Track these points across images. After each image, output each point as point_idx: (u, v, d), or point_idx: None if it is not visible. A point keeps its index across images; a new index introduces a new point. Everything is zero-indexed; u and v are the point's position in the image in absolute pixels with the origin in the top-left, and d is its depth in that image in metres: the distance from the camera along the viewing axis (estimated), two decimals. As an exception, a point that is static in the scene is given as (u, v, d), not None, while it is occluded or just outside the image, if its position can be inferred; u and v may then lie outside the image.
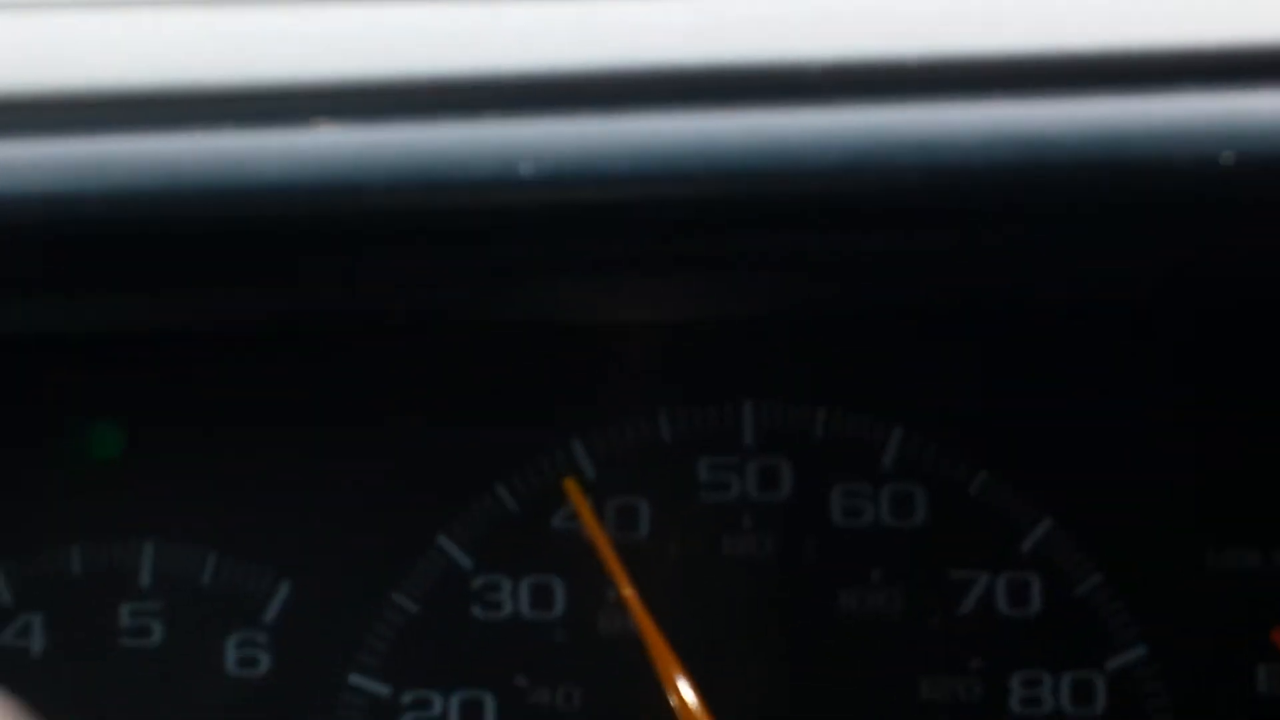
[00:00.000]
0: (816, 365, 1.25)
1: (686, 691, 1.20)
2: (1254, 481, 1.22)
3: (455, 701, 1.22)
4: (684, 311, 1.24)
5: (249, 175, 0.81)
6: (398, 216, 0.82)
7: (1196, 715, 1.21)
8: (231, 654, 1.23)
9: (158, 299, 1.07)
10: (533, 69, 0.85)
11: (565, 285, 1.12)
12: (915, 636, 1.23)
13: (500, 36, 0.86)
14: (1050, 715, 1.22)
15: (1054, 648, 1.22)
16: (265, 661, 1.22)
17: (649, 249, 0.87)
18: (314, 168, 0.82)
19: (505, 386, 1.24)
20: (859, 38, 0.87)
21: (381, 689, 1.22)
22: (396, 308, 1.19)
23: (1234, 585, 1.22)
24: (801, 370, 1.25)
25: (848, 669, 1.22)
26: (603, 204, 0.83)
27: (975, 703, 1.22)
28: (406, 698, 1.22)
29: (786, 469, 1.24)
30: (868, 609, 1.23)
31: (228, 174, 0.82)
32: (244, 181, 0.82)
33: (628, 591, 1.21)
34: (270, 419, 1.23)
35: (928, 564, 1.23)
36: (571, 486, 1.23)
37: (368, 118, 0.83)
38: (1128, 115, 0.84)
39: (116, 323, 1.20)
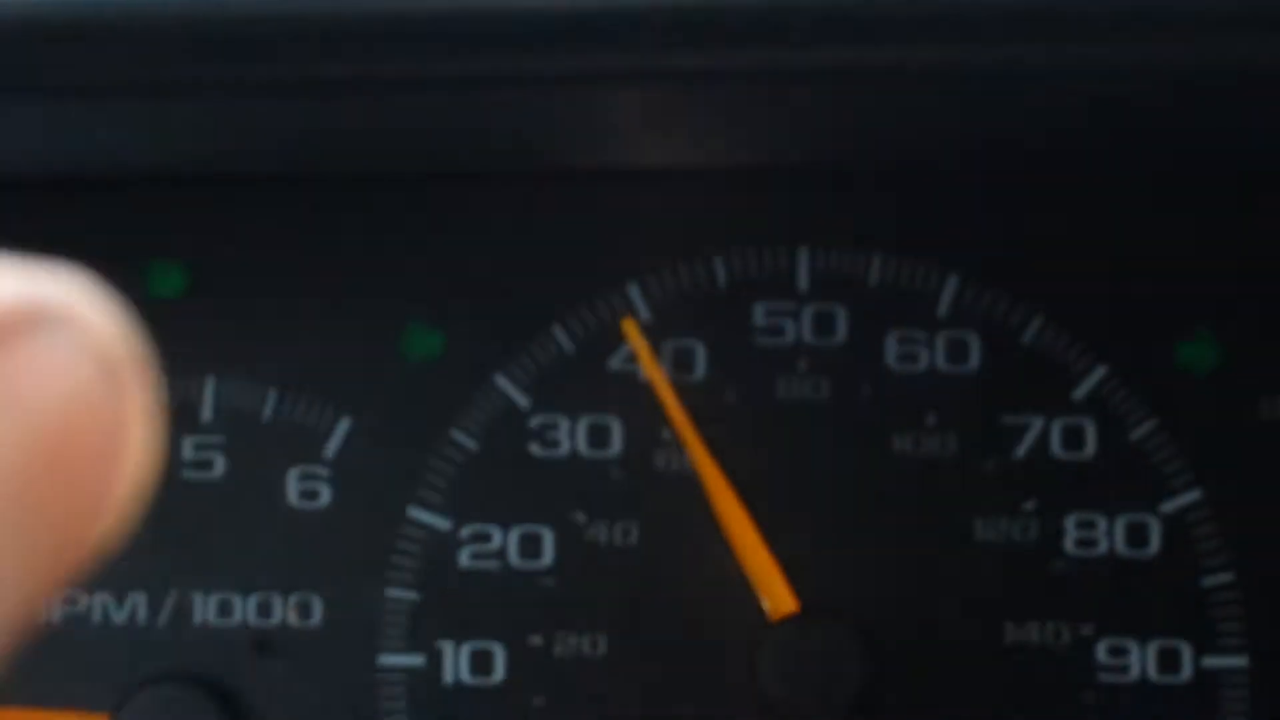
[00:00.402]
0: (871, 212, 1.26)
1: (744, 528, 1.21)
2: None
3: (514, 535, 1.23)
4: (740, 157, 1.25)
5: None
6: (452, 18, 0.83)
7: (1250, 559, 1.21)
8: (293, 487, 1.24)
9: (209, 137, 1.09)
10: None
11: (614, 120, 1.13)
12: (970, 479, 1.23)
13: None
14: (1104, 557, 1.22)
15: (1108, 491, 1.23)
16: (326, 494, 1.24)
17: (705, 62, 0.88)
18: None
19: (561, 231, 1.25)
20: None
21: (442, 522, 1.23)
22: (446, 156, 1.21)
23: (1285, 431, 1.22)
24: (856, 217, 1.26)
25: (902, 511, 1.23)
26: (653, 9, 0.83)
27: (1030, 544, 1.22)
28: (466, 531, 1.23)
29: (842, 314, 1.25)
30: (922, 452, 1.23)
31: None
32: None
33: (685, 430, 1.22)
34: (330, 261, 1.25)
35: (982, 409, 1.24)
36: (630, 326, 1.24)
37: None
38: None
39: (176, 161, 1.22)
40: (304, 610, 1.22)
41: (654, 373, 1.23)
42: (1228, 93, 1.08)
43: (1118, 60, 0.99)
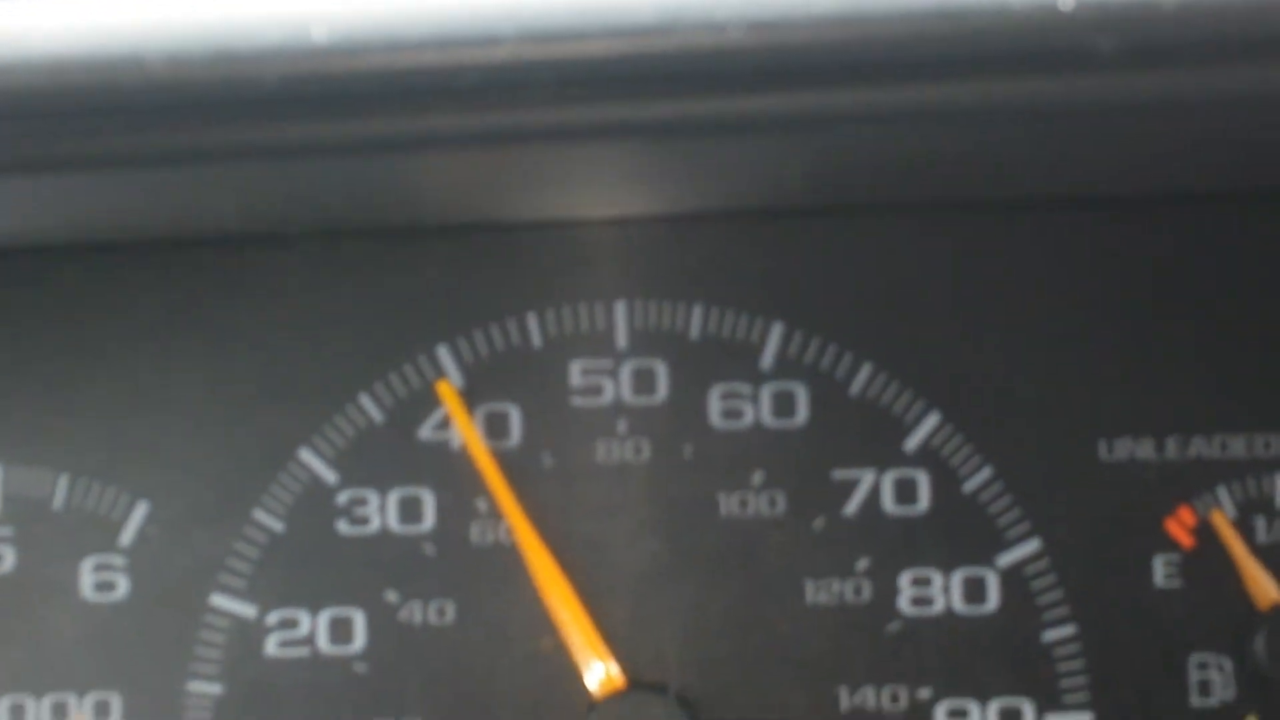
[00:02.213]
0: (690, 263, 1.21)
1: (566, 601, 1.16)
2: (1146, 370, 1.19)
3: (324, 619, 1.18)
4: (552, 210, 1.20)
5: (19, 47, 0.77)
6: (185, 88, 0.77)
7: (1091, 610, 1.18)
8: (88, 578, 1.18)
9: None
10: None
11: (412, 184, 1.08)
12: (800, 539, 1.19)
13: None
14: (942, 614, 1.18)
15: (943, 545, 1.19)
16: (123, 585, 1.18)
17: (453, 122, 0.82)
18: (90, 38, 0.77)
19: (365, 293, 1.20)
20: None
21: (247, 609, 1.18)
22: (244, 217, 1.15)
23: (1126, 476, 1.18)
24: (675, 270, 1.21)
25: (730, 575, 1.18)
26: (399, 71, 0.78)
27: (863, 604, 1.18)
28: (273, 617, 1.18)
29: (662, 371, 1.20)
30: (750, 513, 1.19)
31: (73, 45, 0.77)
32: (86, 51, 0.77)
33: (502, 499, 1.17)
34: (121, 334, 1.19)
35: (811, 464, 1.19)
36: (445, 389, 1.19)
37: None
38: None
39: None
40: (101, 710, 1.16)
41: (470, 439, 1.18)
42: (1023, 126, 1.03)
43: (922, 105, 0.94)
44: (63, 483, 1.18)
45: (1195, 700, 1.16)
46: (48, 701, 1.17)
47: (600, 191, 1.16)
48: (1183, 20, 0.80)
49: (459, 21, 0.78)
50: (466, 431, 1.18)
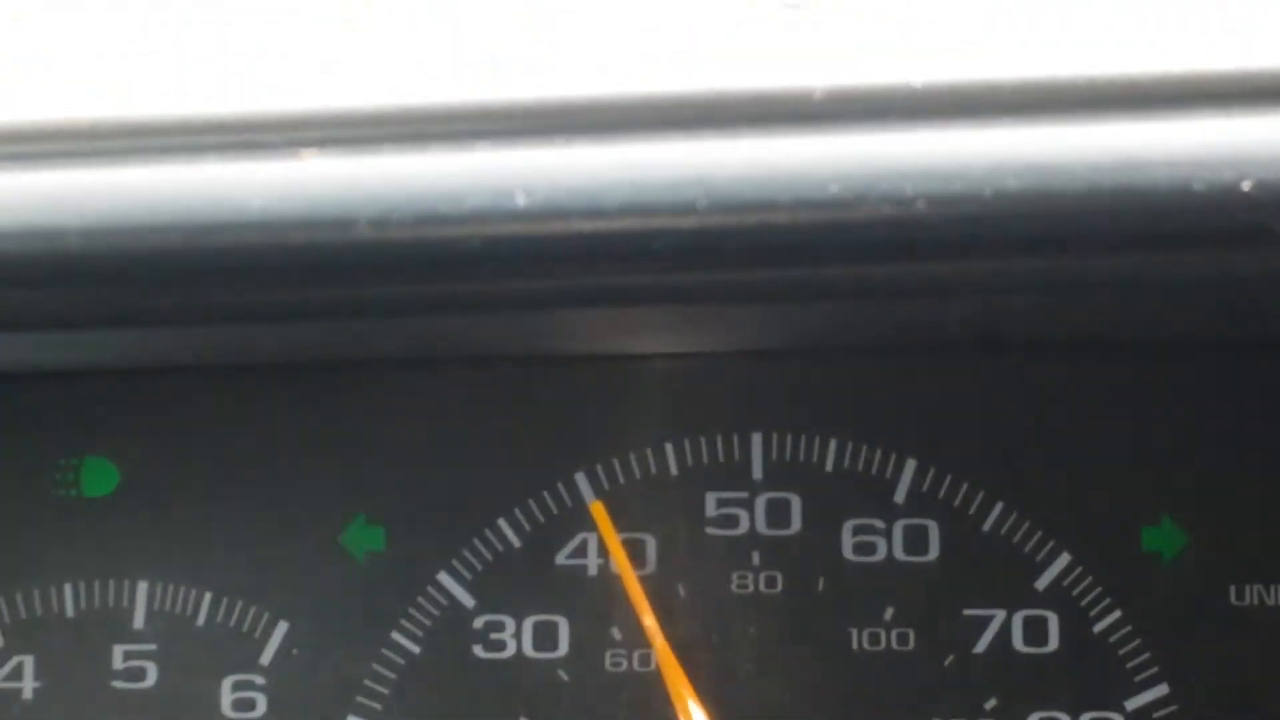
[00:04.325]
0: (827, 397, 1.22)
1: (700, 729, 1.17)
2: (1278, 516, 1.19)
3: None
4: (691, 343, 1.21)
5: (236, 207, 0.78)
6: (389, 249, 0.79)
7: (1220, 757, 1.18)
8: (227, 697, 1.20)
9: (147, 335, 1.04)
10: (528, 97, 0.82)
11: (564, 319, 1.10)
12: (929, 676, 1.19)
13: (495, 65, 0.83)
14: (1068, 757, 1.19)
15: (1072, 687, 1.19)
16: (261, 704, 1.19)
17: (648, 282, 0.84)
18: (300, 199, 0.79)
19: (507, 421, 1.21)
20: (866, 65, 0.84)
21: (382, 732, 1.19)
22: (392, 343, 1.17)
23: (1258, 622, 1.19)
24: (811, 402, 1.22)
25: (861, 710, 1.19)
26: (598, 235, 0.80)
27: None
28: None
29: (796, 503, 1.21)
30: (880, 647, 1.20)
31: (215, 205, 0.79)
32: (231, 213, 0.79)
33: (650, 622, 1.18)
34: (267, 453, 1.21)
35: (942, 601, 1.20)
36: (598, 511, 1.20)
37: (357, 147, 0.81)
38: (1143, 141, 0.82)
39: (109, 358, 1.18)
40: (239, 830, 1.18)
41: (621, 562, 1.19)
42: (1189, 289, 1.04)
43: (1060, 277, 0.95)
44: (206, 600, 1.19)
45: None
46: (187, 819, 1.18)
47: (742, 327, 1.17)
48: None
49: (653, 190, 0.80)
50: (618, 554, 1.19)
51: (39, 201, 0.78)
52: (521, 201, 0.78)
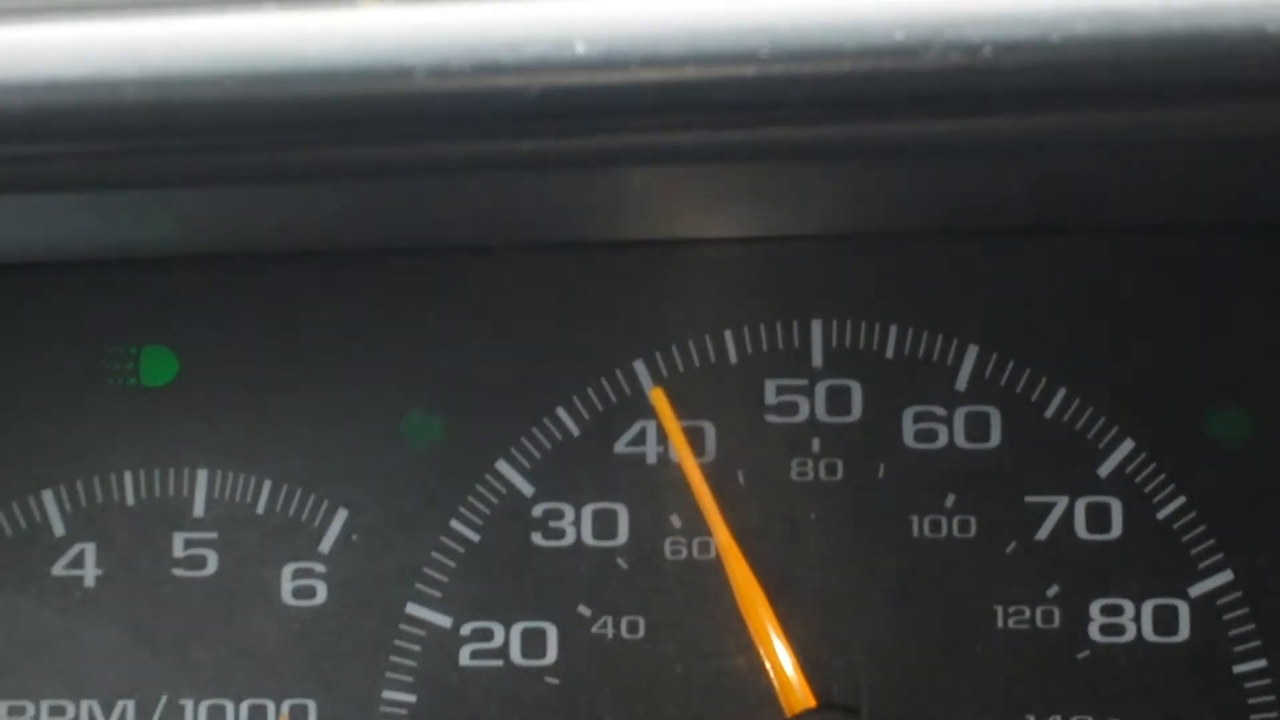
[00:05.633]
0: (887, 284, 1.21)
1: (763, 619, 1.16)
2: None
3: (517, 632, 1.19)
4: (750, 229, 1.20)
5: (291, 57, 0.78)
6: (447, 98, 0.78)
7: (1285, 643, 1.17)
8: (287, 584, 1.19)
9: (204, 211, 1.04)
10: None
11: (623, 195, 1.09)
12: (991, 564, 1.18)
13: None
14: (1132, 644, 1.17)
15: (1135, 574, 1.18)
16: (322, 591, 1.19)
17: (711, 137, 0.83)
18: (361, 50, 0.78)
19: (565, 309, 1.20)
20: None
21: (441, 619, 1.19)
22: (450, 228, 1.16)
23: (1324, 507, 1.18)
24: (872, 289, 1.21)
25: (922, 598, 1.18)
26: (659, 84, 0.79)
27: (1054, 631, 1.18)
28: (467, 628, 1.19)
29: (856, 391, 1.20)
30: (941, 535, 1.19)
31: (272, 56, 0.78)
32: (288, 63, 0.78)
33: (709, 513, 1.17)
34: (324, 343, 1.20)
35: (1003, 488, 1.19)
36: (658, 398, 1.19)
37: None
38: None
39: (167, 246, 1.18)
40: (298, 715, 1.17)
41: (682, 450, 1.18)
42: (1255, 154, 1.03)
43: (1133, 130, 0.94)
44: (266, 489, 1.19)
45: (1392, 736, 1.15)
46: (246, 705, 1.18)
47: (802, 209, 1.16)
48: None
49: (715, 37, 0.79)
50: (678, 442, 1.18)
51: (96, 52, 0.78)
52: (581, 49, 0.78)
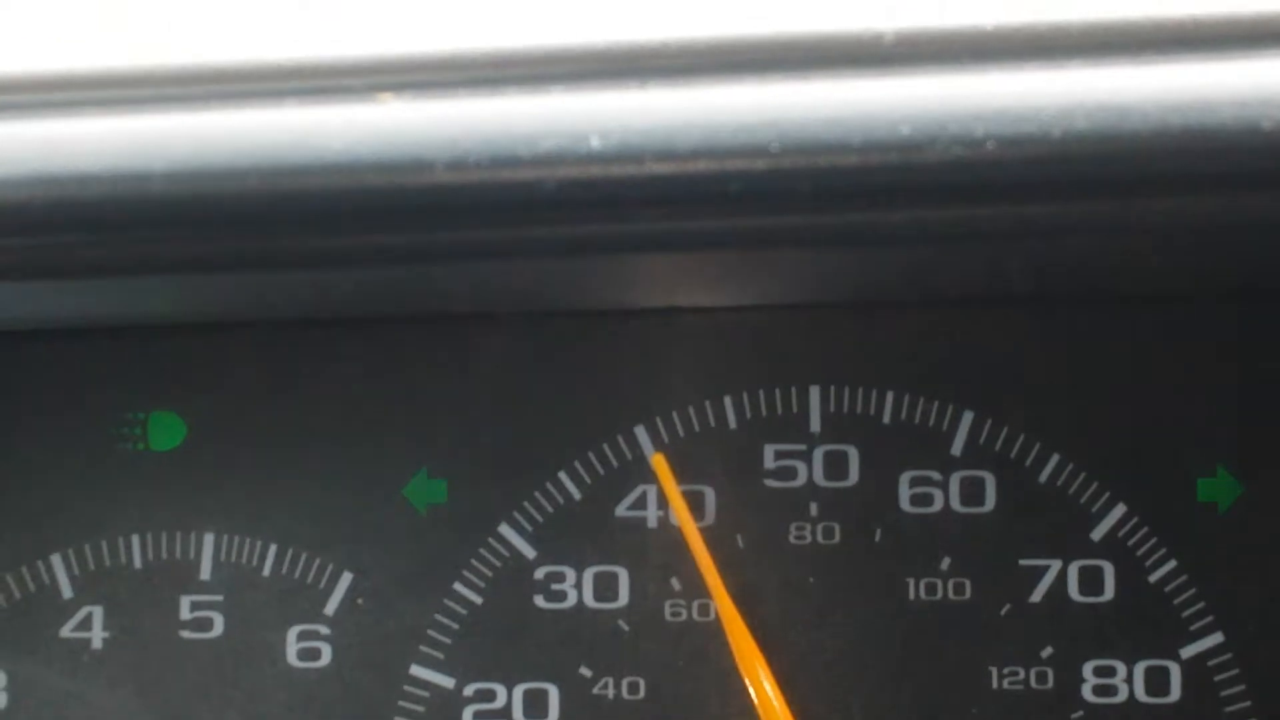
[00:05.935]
0: (885, 351, 1.23)
1: (763, 680, 1.18)
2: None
3: (519, 693, 1.20)
4: (751, 297, 1.22)
5: (313, 151, 0.80)
6: (466, 191, 0.80)
7: (1274, 705, 1.19)
8: (293, 646, 1.21)
9: (219, 286, 1.05)
10: (602, 41, 0.83)
11: (628, 270, 1.11)
12: (986, 625, 1.20)
13: (568, 9, 0.84)
14: (1124, 705, 1.19)
15: (1127, 636, 1.20)
16: (326, 654, 1.21)
17: (722, 225, 0.85)
18: (379, 143, 0.80)
19: (567, 375, 1.22)
20: (937, 7, 0.85)
21: (445, 680, 1.20)
22: (455, 298, 1.18)
23: (1313, 572, 1.20)
24: (869, 356, 1.23)
25: (918, 658, 1.20)
26: (672, 177, 0.81)
27: (1048, 692, 1.20)
28: (470, 689, 1.20)
29: (854, 455, 1.22)
30: (937, 597, 1.21)
31: (293, 150, 0.80)
32: (308, 157, 0.80)
33: (708, 576, 1.19)
34: (330, 411, 1.22)
35: (998, 551, 1.21)
36: (659, 463, 1.21)
37: (433, 91, 0.82)
38: (1211, 81, 0.82)
39: (178, 313, 1.19)
40: (305, 776, 1.19)
41: (681, 513, 1.20)
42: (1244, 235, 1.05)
43: (1132, 219, 0.96)
44: (271, 552, 1.21)
45: (1377, 799, 1.17)
46: (254, 765, 1.20)
47: (801, 279, 1.18)
48: None
49: (726, 131, 0.81)
50: (678, 506, 1.20)
51: (124, 146, 0.80)
52: (596, 144, 0.80)
